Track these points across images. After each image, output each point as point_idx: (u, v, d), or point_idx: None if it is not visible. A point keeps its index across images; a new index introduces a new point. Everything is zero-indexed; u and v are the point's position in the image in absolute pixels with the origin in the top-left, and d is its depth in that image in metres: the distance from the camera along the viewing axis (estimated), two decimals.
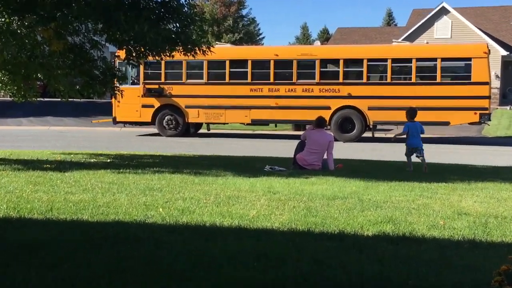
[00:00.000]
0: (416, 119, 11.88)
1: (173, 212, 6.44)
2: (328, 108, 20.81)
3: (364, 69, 20.61)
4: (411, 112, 11.93)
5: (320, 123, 11.65)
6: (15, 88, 12.65)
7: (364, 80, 20.70)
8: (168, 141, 20.42)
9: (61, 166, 10.99)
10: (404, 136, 11.72)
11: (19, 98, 13.01)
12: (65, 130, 25.75)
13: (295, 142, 12.47)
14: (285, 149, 16.97)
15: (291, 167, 11.61)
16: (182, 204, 6.94)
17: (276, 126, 24.82)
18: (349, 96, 20.74)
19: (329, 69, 22.07)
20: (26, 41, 9.95)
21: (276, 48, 23.09)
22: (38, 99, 13.42)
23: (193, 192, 7.91)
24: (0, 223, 5.67)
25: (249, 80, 21.49)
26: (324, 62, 21.47)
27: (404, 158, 11.75)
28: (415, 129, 11.60)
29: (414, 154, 11.53)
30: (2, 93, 13.98)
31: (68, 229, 5.49)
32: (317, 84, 20.98)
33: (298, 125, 24.93)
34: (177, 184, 8.67)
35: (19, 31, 9.82)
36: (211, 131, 24.12)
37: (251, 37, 55.26)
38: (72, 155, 13.46)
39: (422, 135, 11.68)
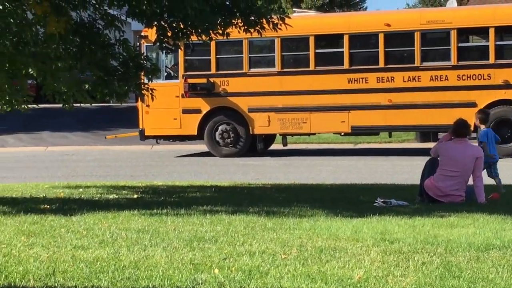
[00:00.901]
0: None
1: (235, 274, 6.48)
2: (473, 105, 20.46)
3: None
4: (485, 116, 13.02)
5: (460, 129, 11.49)
6: None
7: None
8: (224, 164, 20.63)
9: (66, 206, 11.28)
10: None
11: (2, 107, 13.48)
12: (69, 151, 26.52)
13: (422, 161, 12.31)
14: (406, 171, 16.78)
15: (417, 200, 11.50)
16: (248, 261, 6.98)
17: (390, 135, 24.63)
18: (506, 85, 20.35)
19: (473, 44, 21.71)
20: (12, 20, 10.33)
21: (387, 14, 23.01)
22: (30, 106, 13.89)
23: (265, 242, 7.93)
24: None
25: (346, 66, 21.48)
26: (464, 32, 21.16)
27: None
28: (493, 136, 12.65)
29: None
30: None
31: None
32: (454, 68, 20.71)
33: (426, 133, 24.61)
34: (240, 231, 8.72)
35: (1, 7, 10.22)
36: (289, 146, 24.19)
37: None
38: (81, 189, 13.82)
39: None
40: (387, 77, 21.18)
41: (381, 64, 21.21)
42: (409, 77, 21.04)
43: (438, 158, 11.50)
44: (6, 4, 10.34)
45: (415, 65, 20.98)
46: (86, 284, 6.22)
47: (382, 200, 11.16)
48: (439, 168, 11.36)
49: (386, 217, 9.56)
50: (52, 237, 8.42)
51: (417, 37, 20.93)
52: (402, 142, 26.36)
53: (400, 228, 8.71)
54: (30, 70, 12.12)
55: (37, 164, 22.03)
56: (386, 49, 21.21)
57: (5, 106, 13.45)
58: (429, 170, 11.58)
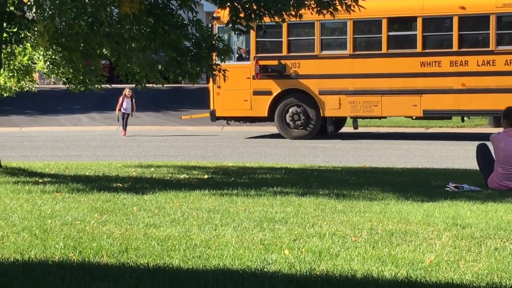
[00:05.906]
0: None
1: (305, 255, 6.51)
2: None
3: None
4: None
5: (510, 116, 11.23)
6: (71, 71, 13.40)
7: None
8: (294, 146, 20.66)
9: (138, 185, 11.47)
10: None
11: (76, 86, 13.77)
12: (141, 131, 26.88)
13: None
14: None
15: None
16: (318, 243, 7.00)
17: (463, 120, 24.34)
18: None
19: None
20: (87, 1, 10.50)
21: None
22: (103, 86, 14.15)
23: (335, 225, 7.95)
24: (54, 270, 6.03)
25: (419, 49, 21.27)
26: None
27: None
28: None
29: None
30: (52, 79, 14.84)
31: (151, 279, 5.73)
32: None
33: (499, 118, 24.27)
34: (310, 212, 8.75)
35: None
36: (360, 129, 24.08)
37: None
38: (152, 169, 14.01)
39: None
40: (461, 61, 20.92)
41: (455, 47, 20.95)
42: (483, 61, 20.74)
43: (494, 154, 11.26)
44: None
45: (490, 49, 20.66)
46: (158, 262, 6.33)
47: (454, 185, 11.06)
48: (499, 166, 10.99)
49: (458, 202, 9.50)
50: (124, 215, 8.59)
51: (492, 20, 20.58)
52: (475, 127, 26.00)
53: (472, 213, 8.64)
54: (104, 50, 12.35)
55: (109, 143, 22.39)
56: (460, 33, 20.92)
57: (79, 86, 13.74)
58: (483, 158, 11.37)
